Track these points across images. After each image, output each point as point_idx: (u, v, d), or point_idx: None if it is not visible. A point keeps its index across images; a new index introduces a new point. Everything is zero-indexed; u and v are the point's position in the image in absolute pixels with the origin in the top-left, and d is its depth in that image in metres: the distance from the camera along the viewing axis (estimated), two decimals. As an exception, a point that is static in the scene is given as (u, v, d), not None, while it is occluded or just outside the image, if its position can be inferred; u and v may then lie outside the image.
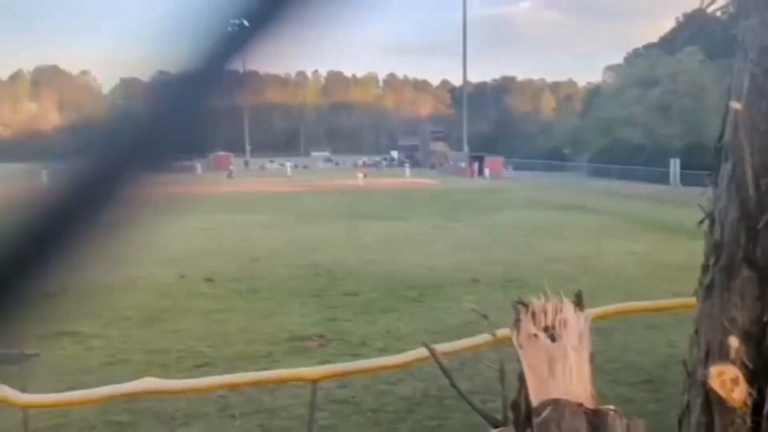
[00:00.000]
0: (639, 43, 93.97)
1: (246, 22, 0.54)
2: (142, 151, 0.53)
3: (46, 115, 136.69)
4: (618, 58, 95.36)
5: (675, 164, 52.90)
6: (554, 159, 73.33)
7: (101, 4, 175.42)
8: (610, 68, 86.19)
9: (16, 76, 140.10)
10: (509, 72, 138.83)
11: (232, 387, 6.72)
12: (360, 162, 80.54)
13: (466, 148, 76.07)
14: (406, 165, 70.39)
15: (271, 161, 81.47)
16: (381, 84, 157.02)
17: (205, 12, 0.53)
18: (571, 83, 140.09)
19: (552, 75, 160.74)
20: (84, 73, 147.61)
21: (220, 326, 10.93)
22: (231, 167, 67.72)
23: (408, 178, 59.34)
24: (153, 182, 0.53)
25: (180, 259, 16.60)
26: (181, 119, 0.54)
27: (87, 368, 8.59)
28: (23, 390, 5.14)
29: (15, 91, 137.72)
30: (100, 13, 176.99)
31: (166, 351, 9.54)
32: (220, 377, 6.69)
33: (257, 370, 8.05)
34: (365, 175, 52.86)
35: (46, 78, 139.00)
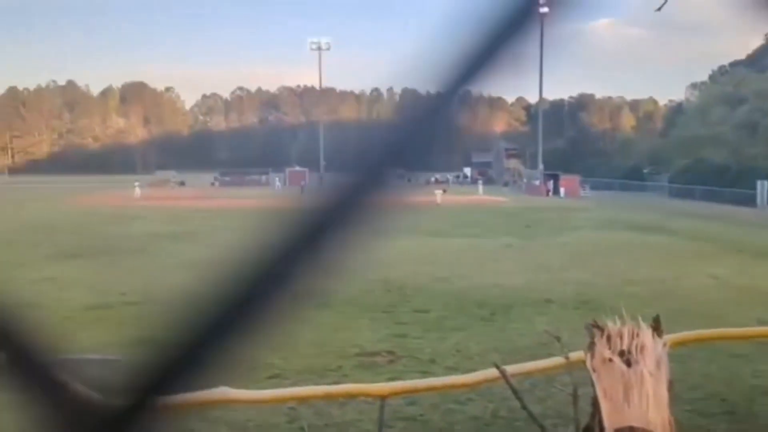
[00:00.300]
0: (724, 60, 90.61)
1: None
2: (389, 163, 0.57)
3: (132, 129, 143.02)
4: (702, 76, 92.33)
5: (763, 186, 50.59)
6: (633, 179, 71.37)
7: (193, 23, 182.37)
8: (693, 86, 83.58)
9: (106, 92, 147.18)
10: (587, 89, 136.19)
11: (302, 400, 6.81)
12: (432, 179, 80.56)
13: (540, 165, 74.95)
14: (479, 182, 69.81)
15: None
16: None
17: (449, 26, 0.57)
18: (652, 101, 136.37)
19: (632, 92, 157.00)
20: (168, 89, 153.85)
21: (291, 338, 11.10)
22: (303, 182, 68.96)
23: (481, 195, 58.91)
24: (390, 196, 0.57)
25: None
26: (426, 135, 0.58)
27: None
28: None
29: (104, 106, 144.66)
30: (188, 32, 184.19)
31: (238, 361, 9.74)
32: (290, 389, 6.80)
33: (327, 383, 8.14)
34: (444, 191, 50.25)
35: (134, 94, 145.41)
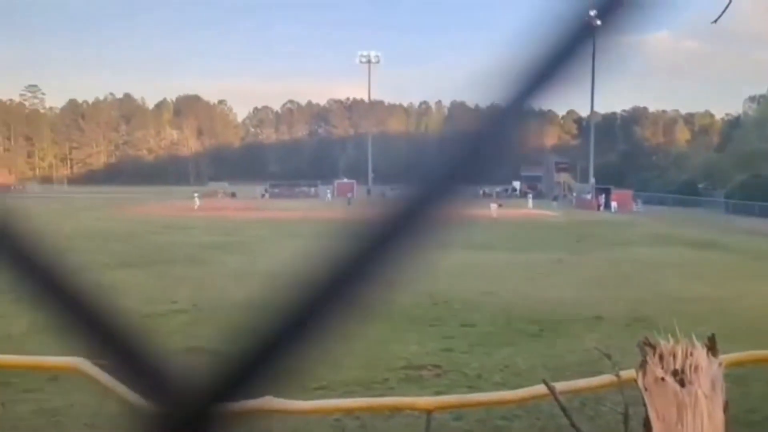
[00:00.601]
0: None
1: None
2: (459, 175, 0.59)
3: (186, 141, 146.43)
4: (761, 89, 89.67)
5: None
6: (687, 193, 69.59)
7: (246, 37, 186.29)
8: (751, 99, 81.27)
9: (161, 105, 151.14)
10: (641, 102, 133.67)
11: (348, 411, 6.83)
12: (480, 192, 79.90)
13: (592, 180, 73.82)
14: (529, 196, 69.12)
15: (393, 189, 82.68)
16: (495, 113, 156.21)
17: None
18: (708, 114, 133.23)
19: (687, 106, 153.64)
20: (221, 102, 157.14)
21: (340, 350, 11.15)
22: (349, 194, 69.39)
23: (530, 209, 58.29)
24: (452, 210, 0.58)
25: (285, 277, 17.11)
26: (490, 149, 0.59)
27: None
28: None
29: (159, 118, 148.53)
30: (241, 46, 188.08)
31: (294, 373, 9.83)
32: (336, 401, 6.82)
33: (372, 396, 8.14)
34: (500, 205, 47.54)
35: (187, 107, 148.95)
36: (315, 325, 0.57)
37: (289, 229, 35.08)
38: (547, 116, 0.63)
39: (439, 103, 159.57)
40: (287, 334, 0.57)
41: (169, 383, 0.57)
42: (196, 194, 61.54)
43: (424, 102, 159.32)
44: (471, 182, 0.59)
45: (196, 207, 55.75)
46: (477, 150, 0.60)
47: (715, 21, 5.37)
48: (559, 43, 0.59)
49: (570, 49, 0.60)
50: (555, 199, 72.34)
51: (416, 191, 0.58)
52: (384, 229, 0.58)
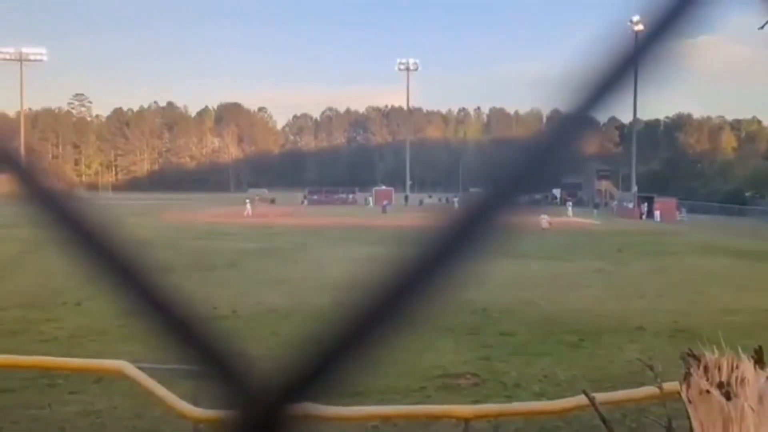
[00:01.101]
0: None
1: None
2: (517, 181, 0.60)
3: (227, 149, 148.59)
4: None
5: None
6: (733, 202, 67.99)
7: (286, 44, 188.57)
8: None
9: (203, 113, 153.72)
10: (685, 109, 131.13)
11: (386, 419, 6.82)
12: (526, 201, 79.03)
13: (634, 188, 72.62)
14: (569, 204, 68.21)
15: (430, 196, 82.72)
16: (544, 120, 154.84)
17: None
18: (755, 121, 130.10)
19: (734, 112, 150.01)
20: (261, 110, 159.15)
21: (382, 358, 11.15)
22: (385, 202, 69.25)
23: (570, 217, 57.55)
24: (511, 214, 0.59)
25: (341, 288, 17.20)
26: (555, 157, 0.60)
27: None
28: (196, 404, 5.53)
29: (201, 126, 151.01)
30: (282, 54, 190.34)
31: (348, 381, 9.87)
32: (374, 408, 6.82)
33: (409, 404, 8.12)
34: (551, 224, 40.76)
35: (228, 114, 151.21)
36: (368, 333, 0.58)
37: (330, 235, 35.30)
38: (597, 124, 0.63)
39: (478, 109, 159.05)
40: (339, 342, 0.58)
41: (241, 386, 0.58)
42: (247, 200, 61.51)
43: (463, 109, 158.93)
44: (525, 191, 0.59)
45: (247, 214, 55.97)
46: (532, 158, 0.60)
47: (762, 27, 5.25)
48: (611, 50, 0.59)
49: (624, 62, 0.60)
50: (596, 207, 71.35)
51: (477, 199, 0.59)
52: (443, 238, 0.58)
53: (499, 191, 0.60)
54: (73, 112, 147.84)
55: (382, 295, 0.58)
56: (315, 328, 0.58)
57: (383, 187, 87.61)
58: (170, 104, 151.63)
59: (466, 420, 5.31)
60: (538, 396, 8.72)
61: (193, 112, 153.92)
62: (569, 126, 0.60)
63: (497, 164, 0.60)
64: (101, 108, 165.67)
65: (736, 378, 2.56)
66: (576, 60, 0.59)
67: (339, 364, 0.58)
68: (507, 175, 0.60)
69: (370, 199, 78.17)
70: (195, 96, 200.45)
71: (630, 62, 0.60)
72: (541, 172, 0.60)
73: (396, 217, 53.70)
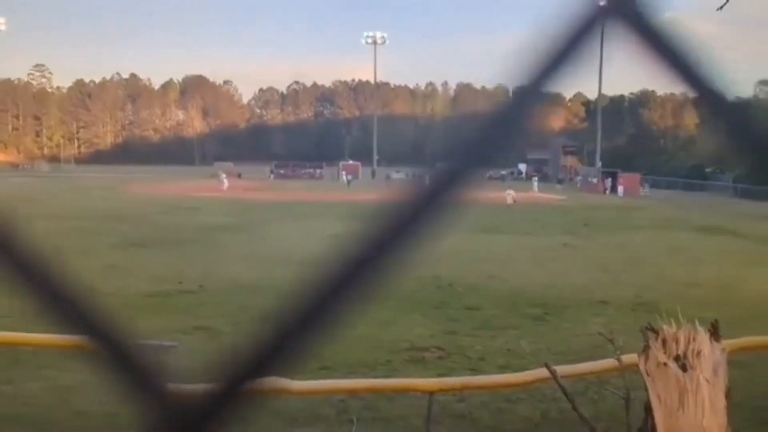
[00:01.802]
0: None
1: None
2: (476, 156, 0.59)
3: (191, 122, 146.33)
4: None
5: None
6: (696, 178, 69.27)
7: (250, 17, 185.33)
8: (763, 82, 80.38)
9: (167, 85, 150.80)
10: (649, 85, 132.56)
11: (352, 392, 6.87)
12: (486, 175, 79.55)
13: (598, 163, 73.50)
14: (535, 179, 68.77)
15: (398, 171, 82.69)
16: (511, 96, 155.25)
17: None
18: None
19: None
20: (227, 83, 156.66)
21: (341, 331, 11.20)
22: (350, 176, 68.58)
23: (536, 192, 58.11)
24: (470, 188, 0.59)
25: (308, 262, 17.19)
26: (505, 132, 0.59)
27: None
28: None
29: (165, 98, 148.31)
30: (246, 27, 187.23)
31: (306, 354, 9.89)
32: (340, 381, 6.86)
33: (376, 377, 8.18)
34: (515, 200, 42.63)
35: (193, 87, 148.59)
36: (329, 307, 0.58)
37: (301, 210, 35.16)
38: (556, 98, 0.63)
39: (445, 84, 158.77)
40: (301, 317, 0.58)
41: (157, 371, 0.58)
42: (223, 174, 59.72)
43: (431, 83, 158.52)
44: (484, 165, 0.59)
45: (225, 187, 54.73)
46: (491, 132, 0.60)
47: (721, 8, 5.31)
48: (568, 24, 0.59)
49: (579, 31, 0.59)
50: (560, 182, 72.09)
51: (432, 174, 0.59)
52: (400, 212, 0.58)
53: (459, 165, 0.60)
54: (34, 83, 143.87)
55: (343, 269, 0.58)
56: (277, 303, 0.58)
57: (350, 162, 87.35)
58: (133, 76, 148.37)
59: (431, 393, 5.38)
60: (503, 369, 8.86)
61: (156, 84, 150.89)
62: (527, 99, 0.60)
63: (458, 139, 0.60)
64: (62, 79, 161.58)
65: (693, 351, 2.63)
66: (537, 32, 0.59)
67: (302, 337, 0.58)
68: (467, 150, 0.60)
69: (344, 174, 77.24)
70: (159, 68, 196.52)
71: (591, 32, 0.59)
72: (501, 146, 0.60)
73: (362, 191, 53.65)
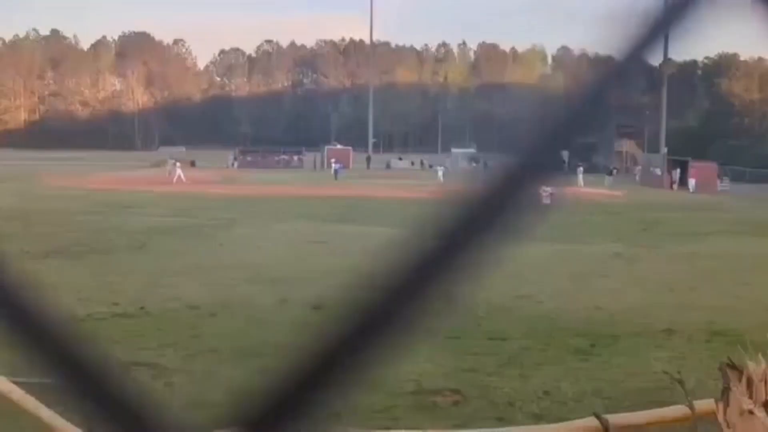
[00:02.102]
0: None
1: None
2: (554, 146, 0.59)
3: (131, 93, 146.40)
4: None
5: None
6: (790, 169, 69.45)
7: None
8: None
9: (98, 45, 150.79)
10: (729, 49, 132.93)
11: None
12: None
13: (663, 149, 73.66)
14: (579, 170, 68.66)
15: (400, 158, 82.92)
16: (550, 61, 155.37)
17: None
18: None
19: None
20: (177, 42, 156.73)
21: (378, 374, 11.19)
22: (337, 165, 67.54)
23: (581, 186, 58.11)
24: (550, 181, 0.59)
25: (282, 279, 17.21)
26: (602, 109, 0.60)
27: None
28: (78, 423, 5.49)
29: (97, 63, 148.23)
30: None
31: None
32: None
33: (372, 428, 8.18)
34: (552, 198, 44.80)
35: (134, 48, 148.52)
36: (366, 348, 0.57)
37: (272, 208, 35.18)
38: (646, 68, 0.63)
39: (463, 45, 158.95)
40: (326, 361, 0.57)
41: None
42: (177, 163, 59.97)
43: (444, 44, 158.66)
44: (566, 149, 0.59)
45: (176, 179, 55.20)
46: (580, 111, 0.60)
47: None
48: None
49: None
50: (610, 173, 71.75)
51: (508, 165, 0.58)
52: (463, 217, 0.56)
53: (541, 153, 0.59)
54: None
55: (383, 296, 0.56)
56: (294, 340, 0.57)
57: (338, 146, 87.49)
58: (55, 33, 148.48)
59: (445, 449, 5.39)
60: (538, 418, 8.87)
61: (86, 44, 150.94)
62: (612, 72, 0.60)
63: (529, 123, 0.59)
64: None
65: (787, 395, 2.63)
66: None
67: (322, 389, 0.57)
68: (551, 134, 0.59)
69: (330, 162, 76.83)
70: (88, 23, 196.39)
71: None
72: (589, 128, 0.60)
73: (354, 184, 53.73)
